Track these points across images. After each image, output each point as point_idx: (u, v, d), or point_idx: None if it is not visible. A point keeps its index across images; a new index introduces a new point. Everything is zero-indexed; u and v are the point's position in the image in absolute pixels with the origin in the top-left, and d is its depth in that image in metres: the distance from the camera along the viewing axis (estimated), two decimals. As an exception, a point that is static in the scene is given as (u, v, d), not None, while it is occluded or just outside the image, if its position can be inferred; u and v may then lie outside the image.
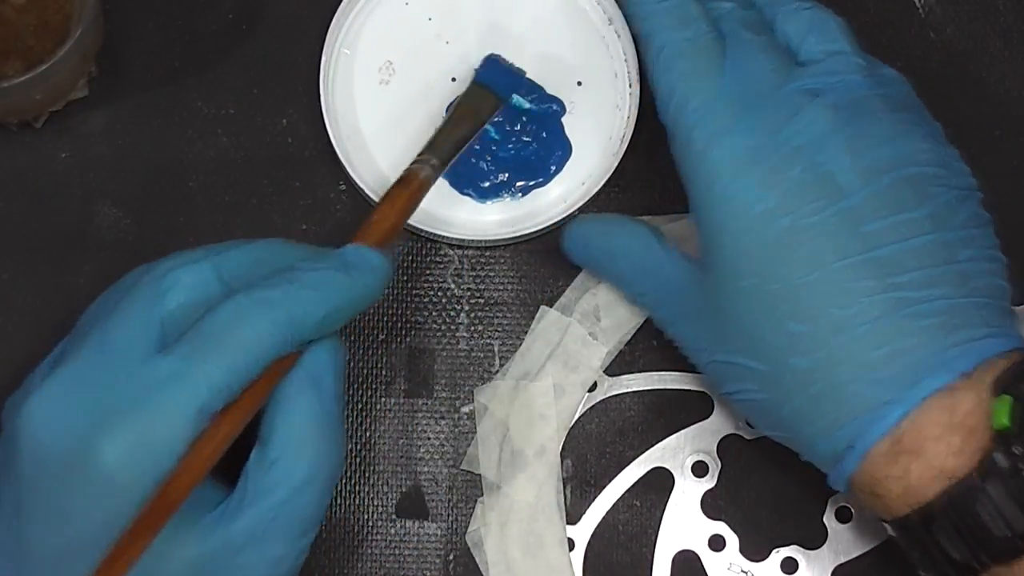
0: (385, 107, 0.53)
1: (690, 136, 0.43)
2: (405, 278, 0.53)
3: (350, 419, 0.51)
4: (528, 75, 0.53)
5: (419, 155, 0.48)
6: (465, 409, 0.52)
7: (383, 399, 0.52)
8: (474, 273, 0.53)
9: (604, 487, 0.51)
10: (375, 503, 0.51)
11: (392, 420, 0.51)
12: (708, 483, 0.51)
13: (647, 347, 0.52)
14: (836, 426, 0.41)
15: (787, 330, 0.41)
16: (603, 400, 0.51)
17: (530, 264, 0.53)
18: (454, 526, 0.51)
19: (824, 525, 0.50)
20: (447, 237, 0.52)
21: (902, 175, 0.42)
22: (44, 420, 0.37)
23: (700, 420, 0.51)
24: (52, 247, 0.52)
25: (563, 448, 0.51)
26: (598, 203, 0.53)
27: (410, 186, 0.46)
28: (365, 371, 0.52)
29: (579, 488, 0.51)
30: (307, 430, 0.39)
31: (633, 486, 0.51)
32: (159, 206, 0.53)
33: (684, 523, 0.50)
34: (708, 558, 0.50)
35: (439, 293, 0.52)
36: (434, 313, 0.52)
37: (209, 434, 0.37)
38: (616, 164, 0.52)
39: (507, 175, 0.53)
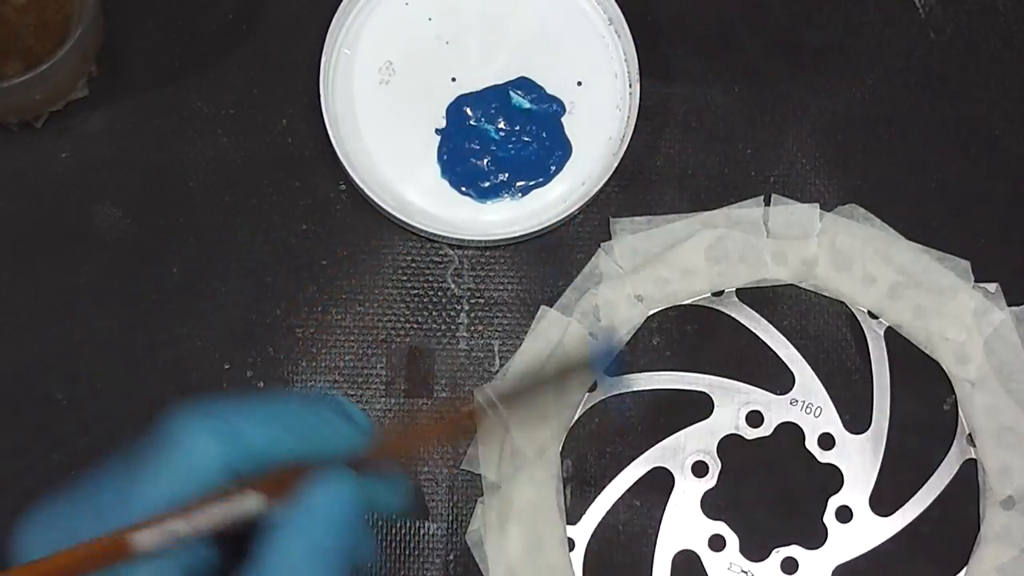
0: (385, 107, 0.53)
1: None
2: (405, 278, 0.53)
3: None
4: (528, 75, 0.53)
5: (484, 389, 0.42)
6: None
7: (383, 399, 0.51)
8: (474, 273, 0.53)
9: (604, 487, 0.51)
10: (375, 503, 0.51)
11: (392, 420, 0.51)
12: (708, 483, 0.51)
13: (647, 347, 0.52)
14: None
15: None
16: (603, 400, 0.51)
17: (530, 264, 0.53)
18: (454, 526, 0.51)
19: (824, 525, 0.50)
20: (447, 237, 0.52)
21: None
22: (31, 540, 0.37)
23: (700, 420, 0.51)
24: (52, 247, 0.52)
25: (563, 448, 0.51)
26: (598, 203, 0.53)
27: (452, 416, 0.42)
28: (365, 371, 0.52)
29: (579, 488, 0.51)
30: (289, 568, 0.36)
31: (633, 486, 0.51)
32: (159, 206, 0.53)
33: (684, 523, 0.50)
34: (708, 558, 0.50)
35: (439, 293, 0.52)
36: (434, 313, 0.52)
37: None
38: (616, 164, 0.52)
39: (507, 175, 0.53)
